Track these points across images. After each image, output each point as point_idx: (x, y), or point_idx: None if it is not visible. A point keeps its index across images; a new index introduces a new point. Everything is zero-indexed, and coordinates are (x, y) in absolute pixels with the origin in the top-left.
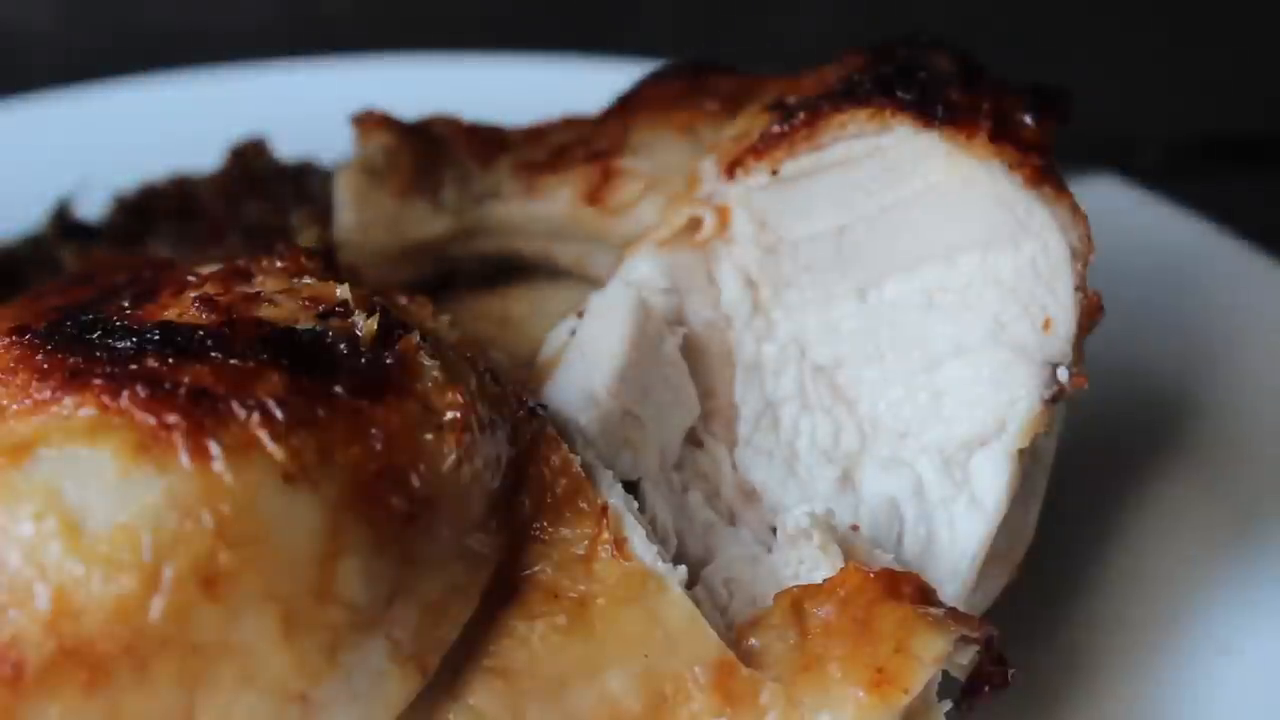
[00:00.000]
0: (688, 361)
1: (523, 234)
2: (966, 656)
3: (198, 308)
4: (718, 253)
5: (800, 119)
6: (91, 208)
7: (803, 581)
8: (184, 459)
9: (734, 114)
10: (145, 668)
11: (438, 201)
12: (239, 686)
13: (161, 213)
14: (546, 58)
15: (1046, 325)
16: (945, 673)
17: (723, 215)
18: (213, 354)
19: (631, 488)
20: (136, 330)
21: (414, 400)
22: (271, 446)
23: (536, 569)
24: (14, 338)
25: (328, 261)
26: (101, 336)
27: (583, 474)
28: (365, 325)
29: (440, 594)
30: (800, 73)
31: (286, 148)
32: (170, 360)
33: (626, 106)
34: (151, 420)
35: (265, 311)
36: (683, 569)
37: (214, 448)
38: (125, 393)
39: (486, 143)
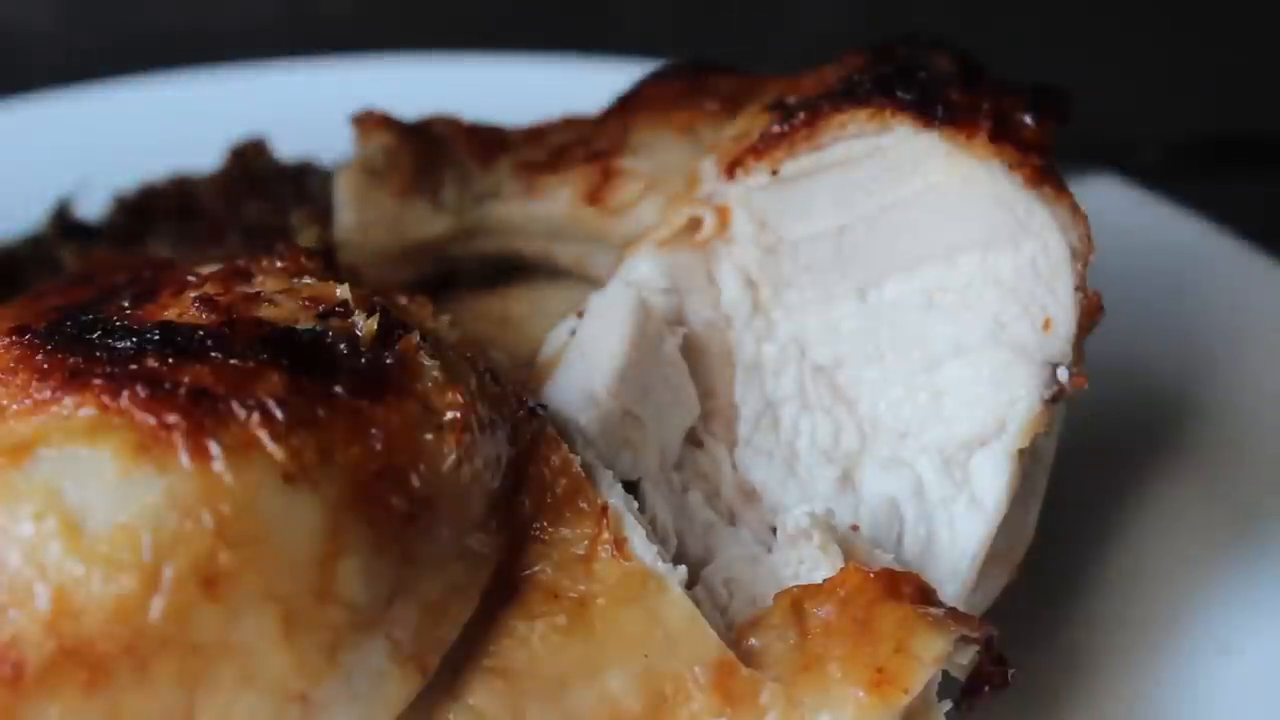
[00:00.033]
0: (688, 361)
1: (523, 234)
2: (966, 656)
3: (198, 308)
4: (718, 253)
5: (800, 119)
6: (91, 208)
7: (803, 581)
8: (184, 459)
9: (734, 114)
10: (145, 668)
11: (438, 201)
12: (239, 686)
13: (161, 213)
14: (546, 58)
15: (1046, 325)
16: (945, 673)
17: (723, 215)
18: (213, 354)
19: (631, 488)
20: (136, 330)
21: (414, 400)
22: (271, 446)
23: (536, 569)
24: (14, 338)
25: (328, 261)
26: (101, 336)
27: (583, 474)
28: (365, 325)
29: (440, 594)
30: (800, 73)
31: (286, 148)
32: (170, 360)
33: (626, 106)
34: (151, 420)
35: (265, 311)
36: (683, 569)
37: (214, 448)
38: (125, 393)
39: (486, 143)
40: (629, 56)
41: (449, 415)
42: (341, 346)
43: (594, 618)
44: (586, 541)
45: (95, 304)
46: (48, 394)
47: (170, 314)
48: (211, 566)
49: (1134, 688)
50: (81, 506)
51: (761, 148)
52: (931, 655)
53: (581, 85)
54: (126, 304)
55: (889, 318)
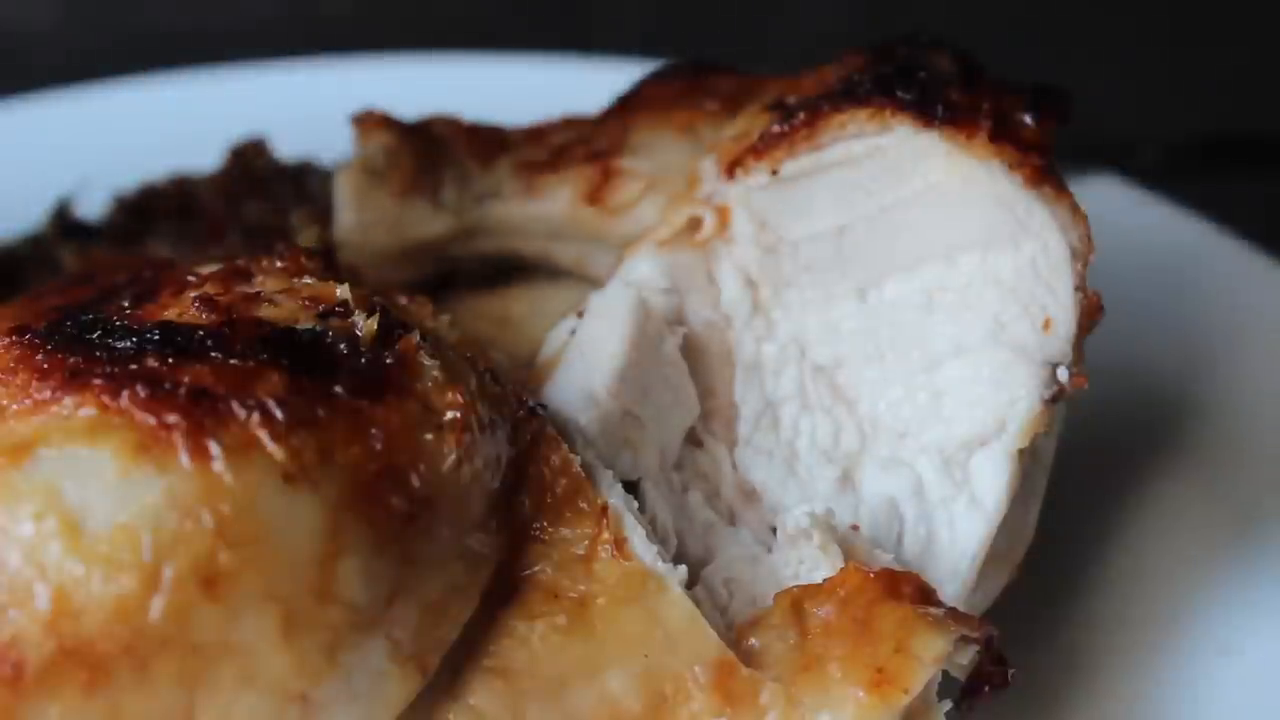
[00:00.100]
0: (688, 361)
1: (523, 234)
2: (966, 656)
3: (198, 308)
4: (718, 253)
5: (800, 119)
6: (91, 208)
7: (803, 581)
8: (184, 459)
9: (734, 114)
10: (145, 668)
11: (438, 201)
12: (239, 686)
13: (161, 212)
14: (546, 58)
15: (1046, 325)
16: (945, 673)
17: (723, 215)
18: (213, 354)
19: (631, 488)
20: (136, 330)
21: (414, 400)
22: (271, 446)
23: (536, 569)
24: (14, 338)
25: (328, 261)
26: (101, 336)
27: (583, 474)
28: (365, 325)
29: (440, 594)
30: (800, 73)
31: (286, 148)
32: (170, 360)
33: (626, 106)
34: (151, 420)
35: (265, 311)
36: (683, 569)
37: (214, 448)
38: (125, 393)
39: (486, 143)
40: (629, 56)
41: (449, 415)
42: (341, 346)
43: (594, 618)
44: (586, 541)
45: (95, 304)
46: (48, 394)
47: (170, 314)
48: (211, 566)
49: (1134, 688)
50: (81, 506)
51: (761, 148)
52: (931, 655)
53: (581, 85)
54: (126, 304)
55: (889, 318)
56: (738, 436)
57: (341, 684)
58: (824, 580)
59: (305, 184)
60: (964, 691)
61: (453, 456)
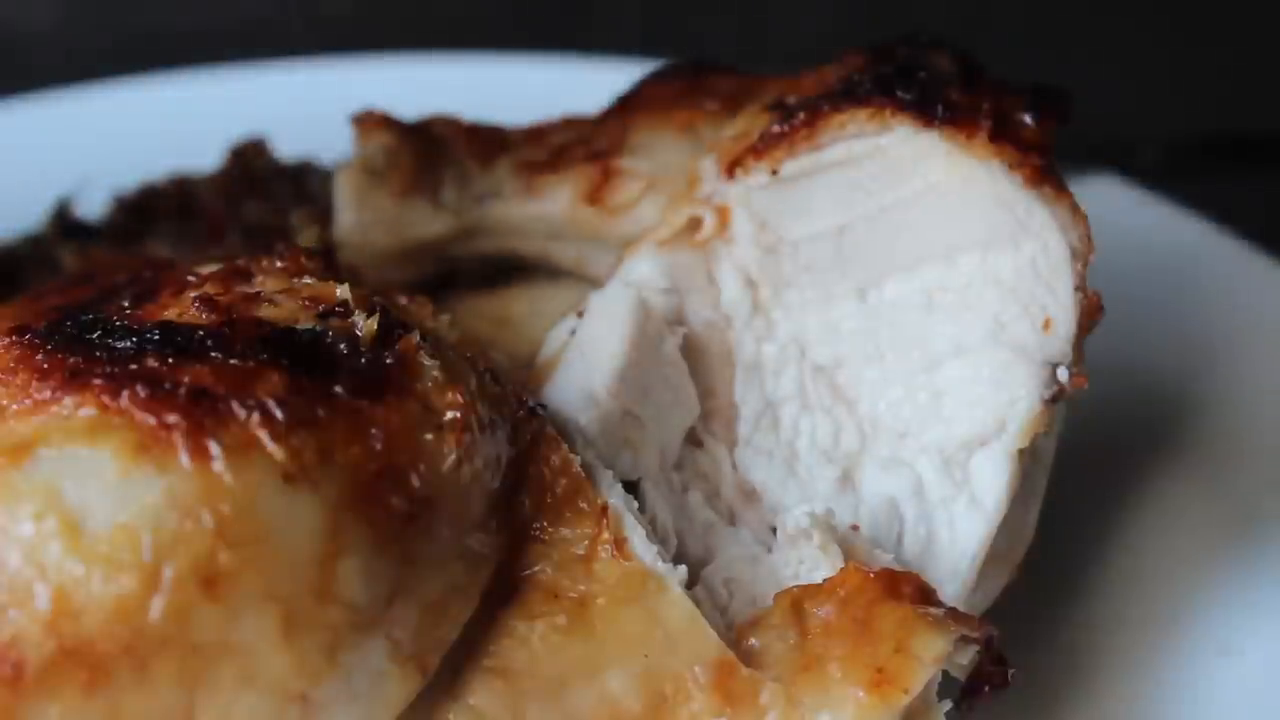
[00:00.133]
0: (688, 361)
1: (522, 234)
2: (966, 656)
3: (198, 308)
4: (718, 253)
5: (800, 119)
6: (91, 208)
7: (803, 581)
8: (184, 459)
9: (734, 114)
10: (145, 668)
11: (438, 201)
12: (239, 686)
13: (161, 212)
14: (546, 58)
15: (1046, 325)
16: (945, 673)
17: (723, 215)
18: (213, 354)
19: (631, 488)
20: (136, 330)
21: (414, 400)
22: (271, 446)
23: (536, 569)
24: (14, 338)
25: (328, 261)
26: (101, 336)
27: (583, 474)
28: (365, 325)
29: (440, 594)
30: (800, 73)
31: (286, 148)
32: (170, 360)
33: (626, 106)
34: (151, 420)
35: (265, 311)
36: (683, 569)
37: (214, 448)
38: (125, 393)
39: (486, 143)
40: (629, 56)
41: (449, 415)
42: (341, 346)
43: (594, 618)
44: (586, 541)
45: (95, 304)
46: (48, 394)
47: (170, 314)
48: (211, 566)
49: (1134, 688)
50: (81, 506)
51: (761, 147)
52: (931, 655)
53: (581, 85)
54: (126, 304)
55: (889, 318)
56: (738, 436)
57: (341, 684)
58: (824, 580)
59: (305, 184)
60: (964, 691)
61: (453, 456)
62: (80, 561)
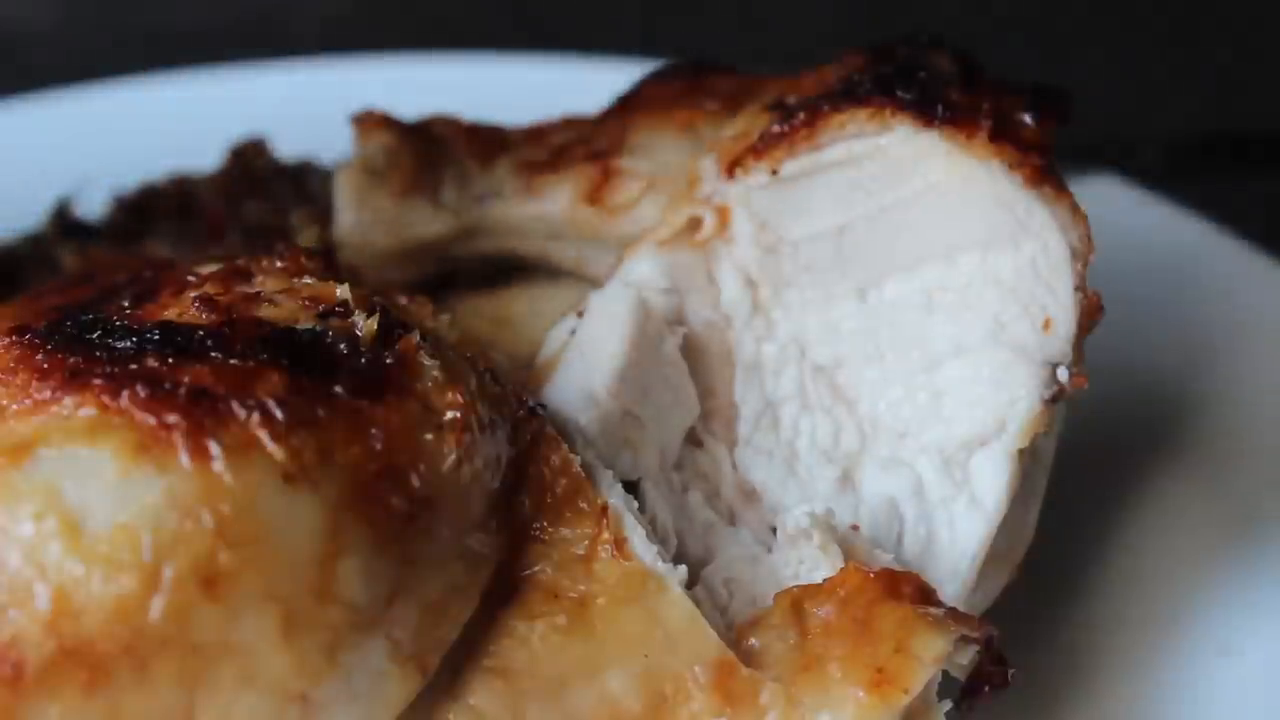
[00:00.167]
0: (688, 361)
1: (522, 234)
2: (966, 656)
3: (198, 308)
4: (718, 252)
5: (800, 119)
6: (91, 208)
7: (803, 581)
8: (184, 459)
9: (734, 114)
10: (145, 668)
11: (438, 201)
12: (239, 686)
13: (161, 212)
14: (546, 58)
15: (1046, 325)
16: (945, 673)
17: (723, 215)
18: (213, 354)
19: (631, 488)
20: (136, 330)
21: (414, 400)
22: (271, 446)
23: (536, 569)
24: (14, 338)
25: (328, 261)
26: (101, 336)
27: (583, 474)
28: (365, 325)
29: (440, 594)
30: (800, 73)
31: (286, 148)
32: (170, 360)
33: (626, 106)
34: (151, 420)
35: (265, 311)
36: (683, 569)
37: (214, 448)
38: (125, 393)
39: (486, 143)
40: (629, 56)
41: (449, 415)
42: (341, 346)
43: (594, 618)
44: (586, 541)
45: (95, 304)
46: (48, 394)
47: (170, 314)
48: (211, 566)
49: (1134, 688)
50: (81, 506)
51: (761, 147)
52: (931, 655)
53: (581, 85)
54: (126, 304)
55: (889, 318)
56: (738, 436)
57: (341, 684)
58: (824, 580)
59: (305, 184)
60: (964, 691)
61: (453, 456)
62: (80, 561)
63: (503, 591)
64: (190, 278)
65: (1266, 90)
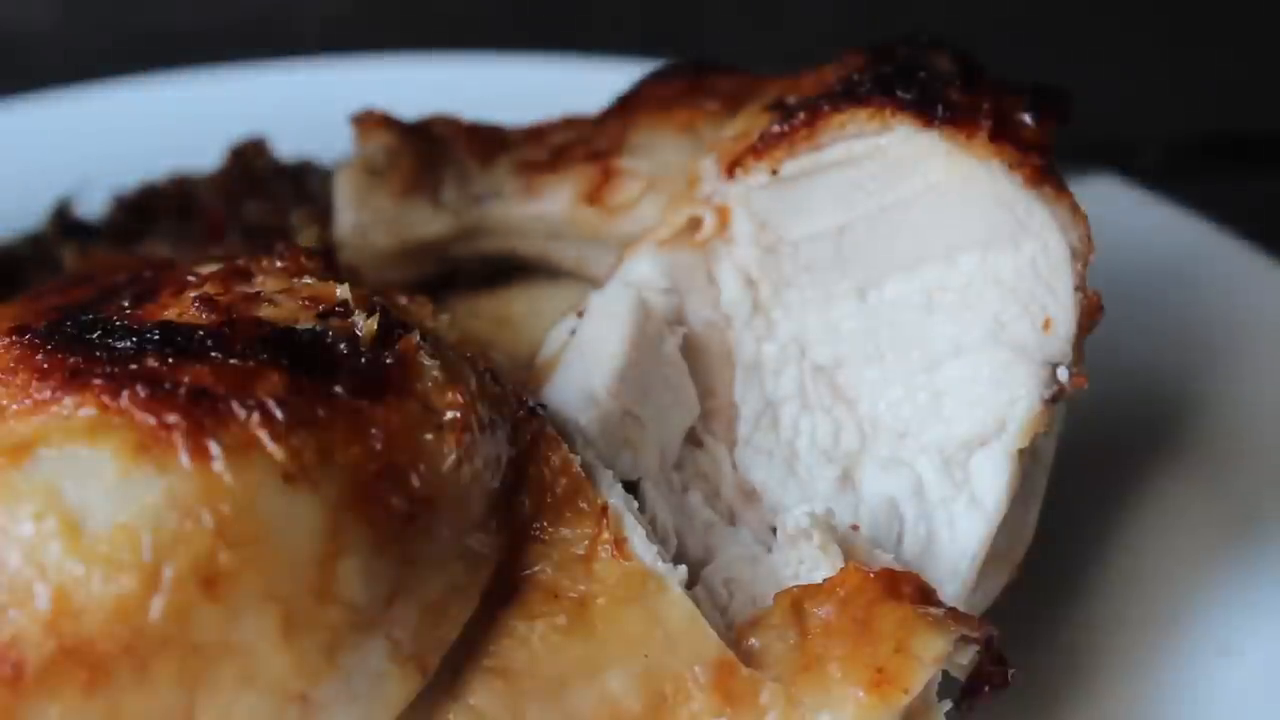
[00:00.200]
0: (688, 361)
1: (522, 234)
2: (966, 656)
3: (198, 308)
4: (718, 252)
5: (800, 119)
6: (91, 208)
7: (803, 581)
8: (184, 459)
9: (734, 114)
10: (145, 668)
11: (438, 201)
12: (239, 686)
13: (161, 212)
14: (546, 58)
15: (1046, 325)
16: (945, 673)
17: (723, 215)
18: (213, 354)
19: (631, 488)
20: (136, 330)
21: (414, 400)
22: (271, 446)
23: (536, 569)
24: (14, 338)
25: (328, 261)
26: (101, 336)
27: (583, 474)
28: (365, 325)
29: (440, 594)
30: (800, 73)
31: (286, 148)
32: (170, 360)
33: (626, 106)
34: (151, 420)
35: (265, 311)
36: (683, 569)
37: (214, 448)
38: (125, 393)
39: (486, 142)
40: (629, 56)
41: (449, 415)
42: (341, 346)
43: (594, 618)
44: (586, 541)
45: (95, 304)
46: (48, 394)
47: (170, 314)
48: (211, 566)
49: (1134, 688)
50: (81, 506)
51: (761, 147)
52: (931, 655)
53: (581, 85)
54: (126, 304)
55: (889, 318)
56: (738, 436)
57: (341, 684)
58: (824, 580)
59: (305, 184)
60: (964, 691)
61: (453, 456)
62: (80, 561)
63: (503, 591)
64: (190, 278)
65: (1266, 90)
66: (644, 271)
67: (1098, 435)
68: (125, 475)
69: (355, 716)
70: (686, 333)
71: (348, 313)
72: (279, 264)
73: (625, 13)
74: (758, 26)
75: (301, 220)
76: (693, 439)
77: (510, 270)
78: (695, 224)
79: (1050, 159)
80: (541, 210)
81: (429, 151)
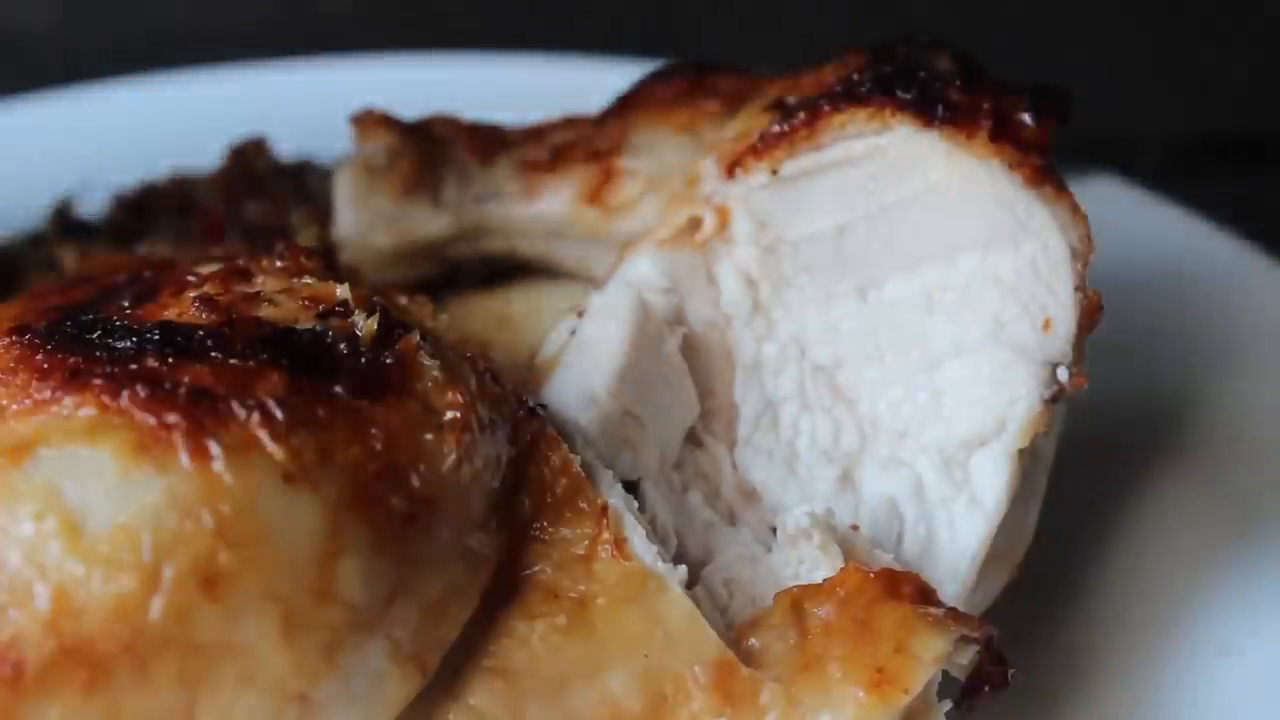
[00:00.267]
0: (688, 361)
1: (523, 234)
2: (966, 656)
3: (198, 308)
4: (718, 252)
5: (800, 119)
6: (91, 207)
7: (803, 581)
8: (184, 459)
9: (734, 114)
10: (145, 668)
11: (438, 201)
12: (239, 686)
13: (161, 211)
14: (546, 58)
15: (1046, 325)
16: (945, 673)
17: (723, 215)
18: (213, 354)
19: (631, 488)
20: (136, 330)
21: (414, 400)
22: (271, 446)
23: (536, 569)
24: (14, 338)
25: (328, 261)
26: (101, 336)
27: (583, 474)
28: (365, 325)
29: (440, 594)
30: (800, 73)
31: (286, 148)
32: (170, 360)
33: (626, 106)
34: (151, 420)
35: (265, 311)
36: (683, 569)
37: (214, 448)
38: (125, 393)
39: (487, 142)
40: (629, 56)
41: (449, 415)
42: (341, 346)
43: (594, 618)
44: (586, 541)
45: (95, 304)
46: (48, 394)
47: (170, 314)
48: (211, 566)
49: (1134, 688)
50: (81, 506)
51: (761, 147)
52: (931, 655)
53: (581, 85)
54: (126, 304)
55: (889, 318)
56: (738, 436)
57: (341, 684)
58: (824, 580)
59: (305, 184)
60: (964, 691)
61: (453, 456)
62: (80, 561)
63: (503, 591)
64: (190, 278)
65: (1266, 90)
66: (644, 271)
67: (1098, 435)
68: (125, 475)
69: (355, 716)
70: (686, 333)
71: (348, 313)
72: (279, 264)
73: (625, 13)
74: (758, 26)
75: (301, 220)
76: (693, 439)
77: (510, 270)
78: (695, 224)
79: (1050, 159)
80: (542, 210)
81: (429, 151)
